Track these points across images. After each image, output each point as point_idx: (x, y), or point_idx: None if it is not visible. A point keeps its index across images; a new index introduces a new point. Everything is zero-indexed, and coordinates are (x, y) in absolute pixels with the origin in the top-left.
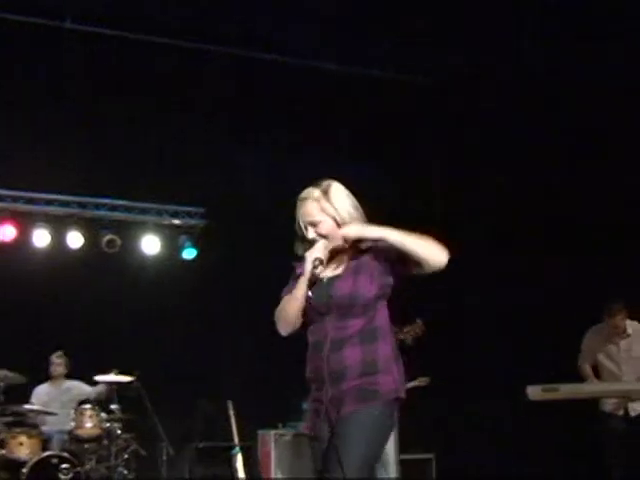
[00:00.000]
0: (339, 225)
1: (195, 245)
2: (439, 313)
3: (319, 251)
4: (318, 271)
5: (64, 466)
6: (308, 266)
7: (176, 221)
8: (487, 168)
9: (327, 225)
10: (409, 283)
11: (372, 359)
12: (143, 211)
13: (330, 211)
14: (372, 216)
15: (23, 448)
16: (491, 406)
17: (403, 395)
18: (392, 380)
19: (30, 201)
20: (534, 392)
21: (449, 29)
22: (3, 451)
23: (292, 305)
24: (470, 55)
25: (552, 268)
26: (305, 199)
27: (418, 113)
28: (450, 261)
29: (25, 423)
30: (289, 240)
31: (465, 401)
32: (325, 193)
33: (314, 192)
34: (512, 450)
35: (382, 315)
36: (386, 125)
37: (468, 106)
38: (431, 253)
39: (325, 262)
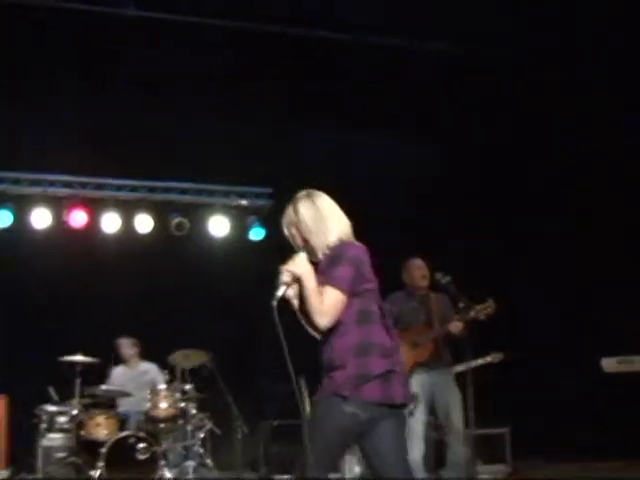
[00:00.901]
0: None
1: (263, 226)
2: (513, 288)
3: (298, 265)
4: (281, 292)
5: (141, 446)
6: (281, 284)
7: (244, 202)
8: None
9: (299, 239)
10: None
11: (330, 356)
12: (211, 193)
13: (297, 225)
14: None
15: (101, 429)
16: (565, 379)
17: (346, 393)
18: (344, 375)
19: (100, 187)
20: (609, 364)
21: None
22: (82, 432)
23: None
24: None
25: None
26: (284, 210)
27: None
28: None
29: (102, 404)
30: (355, 219)
31: (539, 375)
32: (294, 207)
33: (289, 206)
34: (586, 423)
35: (346, 312)
36: (452, 102)
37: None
38: (312, 313)
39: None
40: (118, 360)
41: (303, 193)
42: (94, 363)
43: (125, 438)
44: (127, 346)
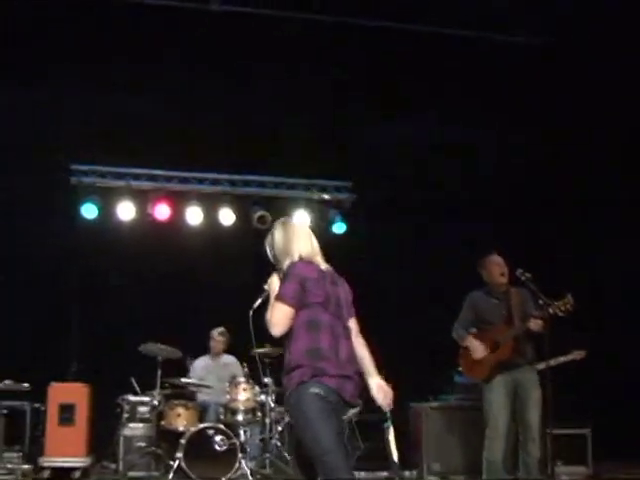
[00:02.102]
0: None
1: (345, 219)
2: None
3: (270, 284)
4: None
5: (219, 437)
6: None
7: (325, 196)
8: None
9: (271, 257)
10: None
11: (288, 358)
12: (293, 187)
13: (268, 248)
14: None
15: (181, 419)
16: None
17: (306, 379)
18: (301, 371)
19: (183, 180)
20: None
21: None
22: (162, 422)
23: None
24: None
25: None
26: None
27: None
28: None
29: (183, 395)
30: (435, 213)
31: (621, 373)
32: (271, 231)
33: (268, 234)
34: None
35: (297, 321)
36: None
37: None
38: (267, 325)
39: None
40: (205, 350)
41: (280, 220)
42: (176, 354)
43: (204, 429)
44: (220, 340)
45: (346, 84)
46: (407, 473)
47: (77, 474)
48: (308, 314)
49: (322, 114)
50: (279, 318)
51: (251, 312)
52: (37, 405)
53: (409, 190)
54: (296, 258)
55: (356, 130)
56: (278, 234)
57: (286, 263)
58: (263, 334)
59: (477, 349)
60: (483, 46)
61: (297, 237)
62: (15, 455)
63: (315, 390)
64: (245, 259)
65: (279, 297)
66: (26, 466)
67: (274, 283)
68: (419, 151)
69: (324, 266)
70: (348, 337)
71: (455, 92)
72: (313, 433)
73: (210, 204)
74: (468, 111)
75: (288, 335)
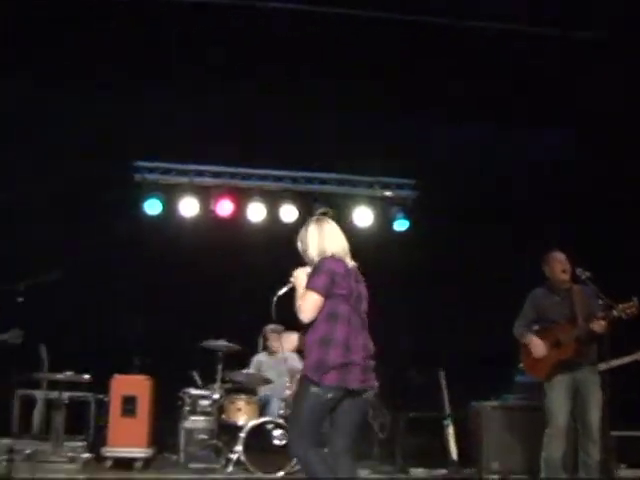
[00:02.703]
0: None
1: (407, 217)
2: None
3: (297, 276)
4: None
5: (278, 432)
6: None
7: (388, 193)
8: None
9: (305, 255)
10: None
11: (306, 345)
12: (355, 184)
13: (301, 243)
14: None
15: (241, 413)
16: None
17: (311, 377)
18: (310, 362)
19: (246, 177)
20: None
21: None
22: (222, 415)
23: None
24: None
25: None
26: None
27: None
28: None
29: (243, 390)
30: (496, 213)
31: None
32: (306, 226)
33: (302, 229)
34: None
35: (318, 311)
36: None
37: None
38: (297, 311)
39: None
40: (262, 347)
41: (314, 218)
42: (236, 349)
43: (264, 423)
44: (274, 337)
45: (411, 83)
46: (466, 471)
47: (139, 464)
48: (330, 305)
49: (384, 111)
50: (309, 306)
51: (275, 299)
52: (101, 396)
53: (471, 188)
54: (328, 255)
55: (419, 127)
56: (312, 231)
57: (317, 258)
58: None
59: (538, 347)
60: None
61: (330, 236)
62: (79, 445)
63: (315, 390)
64: None
65: (310, 287)
66: (86, 455)
67: (300, 277)
68: (482, 150)
69: (351, 264)
70: (364, 328)
71: (520, 92)
72: (298, 422)
73: (272, 201)
74: (531, 111)
75: (310, 326)
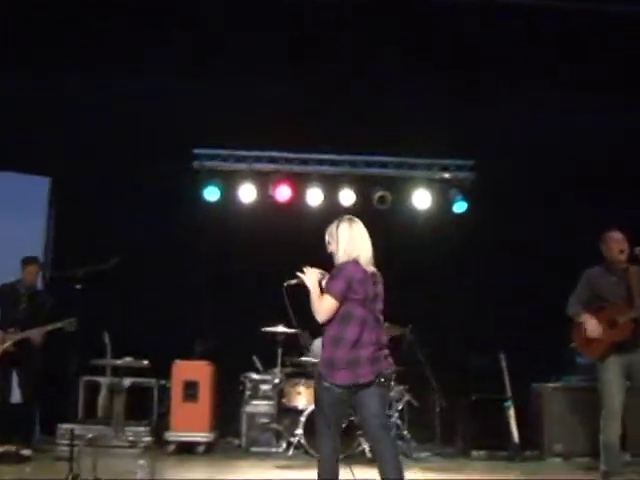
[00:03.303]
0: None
1: (466, 198)
2: None
3: (308, 276)
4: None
5: None
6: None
7: (446, 175)
8: None
9: (330, 247)
10: None
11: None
12: (413, 166)
13: (331, 241)
14: None
15: (301, 397)
16: None
17: (324, 373)
18: (323, 360)
19: (304, 162)
20: None
21: None
22: (283, 400)
23: None
24: None
25: None
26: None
27: None
28: None
29: (303, 374)
30: (558, 191)
31: None
32: (338, 223)
33: (334, 223)
34: None
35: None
36: None
37: None
38: (313, 311)
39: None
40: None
41: (347, 217)
42: (296, 334)
43: None
44: None
45: (471, 63)
46: (528, 453)
47: (201, 449)
48: (345, 308)
49: (442, 93)
50: (326, 309)
51: (285, 287)
52: (163, 382)
53: (531, 168)
54: (353, 257)
55: (479, 108)
56: (344, 230)
57: (341, 255)
58: (384, 311)
59: (593, 327)
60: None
61: (359, 239)
62: (142, 429)
63: (327, 385)
64: None
65: (328, 291)
66: (148, 438)
67: (311, 278)
68: (540, 131)
69: (370, 269)
70: (379, 326)
71: (582, 66)
72: (319, 417)
73: (330, 185)
74: (593, 84)
75: (325, 325)
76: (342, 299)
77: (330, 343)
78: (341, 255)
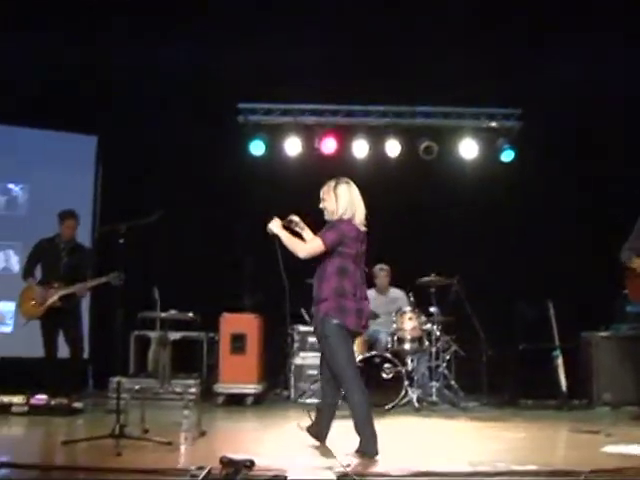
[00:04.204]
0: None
1: (513, 147)
2: None
3: (272, 225)
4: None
5: (386, 365)
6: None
7: (493, 124)
8: None
9: (324, 204)
10: None
11: (319, 294)
12: (459, 116)
13: (327, 198)
14: None
15: None
16: None
17: (331, 313)
18: (328, 305)
19: (349, 114)
20: None
21: None
22: None
23: None
24: None
25: None
26: (326, 182)
27: None
28: None
29: None
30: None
31: None
32: (336, 182)
33: (334, 180)
34: None
35: (330, 265)
36: None
37: None
38: (294, 250)
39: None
40: (373, 285)
41: (344, 179)
42: None
43: (372, 358)
44: (382, 275)
45: (515, 10)
46: (576, 402)
47: (249, 400)
48: (340, 262)
49: (490, 41)
50: (311, 250)
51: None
52: (212, 335)
53: (580, 119)
54: (349, 216)
55: (525, 57)
56: (344, 191)
57: (339, 213)
58: (428, 265)
59: None
60: None
61: (358, 201)
62: (191, 382)
63: (337, 321)
64: (411, 189)
65: (321, 237)
66: (196, 391)
67: (274, 226)
68: (590, 78)
69: (363, 228)
70: (364, 282)
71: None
72: (334, 355)
73: (376, 137)
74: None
75: (320, 276)
76: (330, 249)
77: (334, 294)
78: (340, 213)
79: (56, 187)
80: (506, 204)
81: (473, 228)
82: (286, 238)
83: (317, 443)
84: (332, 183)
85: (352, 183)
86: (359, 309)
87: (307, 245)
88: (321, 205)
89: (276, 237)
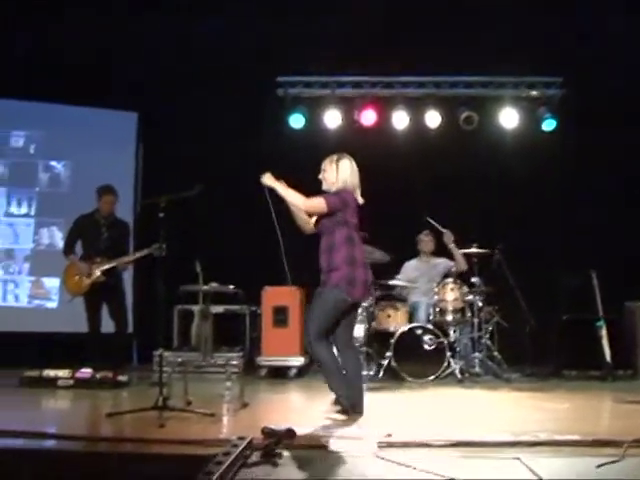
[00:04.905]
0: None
1: (555, 116)
2: None
3: (266, 178)
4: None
5: (428, 337)
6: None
7: (534, 92)
8: None
9: (324, 174)
10: None
11: (329, 262)
12: (500, 85)
13: (328, 169)
14: None
15: (391, 320)
16: None
17: (342, 286)
18: (339, 275)
19: (388, 85)
20: None
21: None
22: (373, 323)
23: None
24: None
25: None
26: (329, 156)
27: None
28: None
29: (393, 297)
30: None
31: None
32: (339, 156)
33: (335, 155)
34: None
35: (339, 236)
36: None
37: None
38: (293, 201)
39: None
40: (416, 253)
41: (346, 155)
42: (384, 258)
43: (413, 329)
44: (427, 241)
45: None
46: (620, 372)
47: (292, 372)
48: (348, 232)
49: (530, 9)
50: (312, 204)
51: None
52: (254, 308)
53: (626, 87)
54: (350, 188)
55: (565, 24)
56: (346, 164)
57: (338, 185)
58: (469, 235)
59: None
60: None
61: (357, 175)
62: (235, 355)
63: (344, 296)
64: (451, 160)
65: (325, 199)
66: (239, 363)
67: (267, 179)
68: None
69: (360, 200)
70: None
71: None
72: (317, 311)
73: (416, 107)
74: None
75: (330, 246)
76: (329, 213)
77: (346, 262)
78: (340, 185)
79: (98, 164)
80: (548, 173)
81: (515, 198)
82: (283, 190)
83: (356, 414)
84: (334, 156)
85: (351, 159)
86: (366, 280)
87: (308, 200)
88: (320, 176)
89: (271, 190)
